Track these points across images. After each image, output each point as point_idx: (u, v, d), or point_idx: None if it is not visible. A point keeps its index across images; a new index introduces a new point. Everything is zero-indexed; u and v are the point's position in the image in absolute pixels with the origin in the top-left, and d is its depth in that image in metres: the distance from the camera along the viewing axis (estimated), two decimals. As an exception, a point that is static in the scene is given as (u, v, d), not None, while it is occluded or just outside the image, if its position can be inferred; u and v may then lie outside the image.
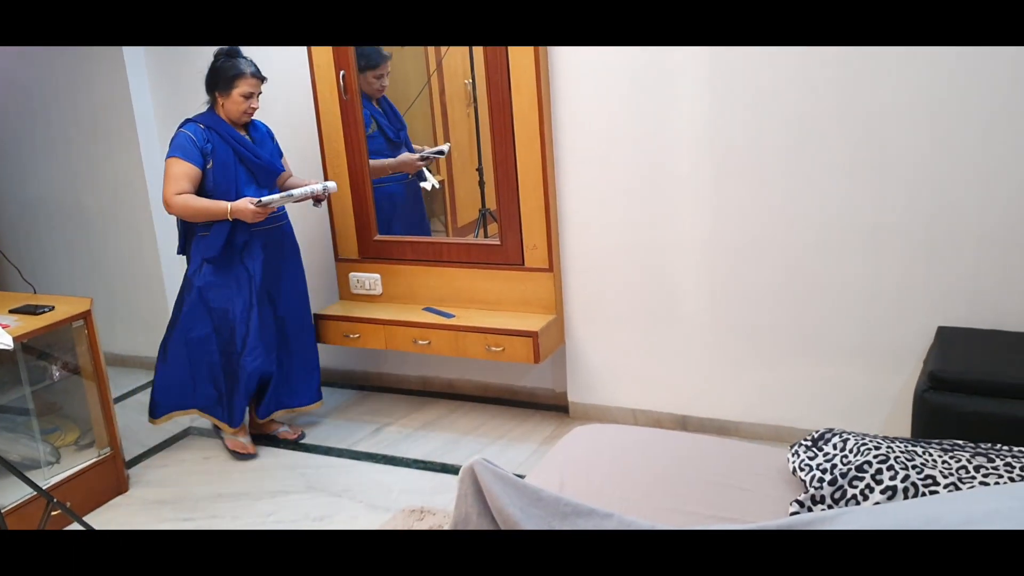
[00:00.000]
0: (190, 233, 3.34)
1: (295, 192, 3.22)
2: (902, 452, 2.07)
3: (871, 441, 2.15)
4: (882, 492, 1.95)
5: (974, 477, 1.97)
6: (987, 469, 2.00)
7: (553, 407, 3.74)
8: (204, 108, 3.30)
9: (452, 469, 3.26)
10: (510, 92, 3.23)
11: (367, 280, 3.76)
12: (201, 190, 3.23)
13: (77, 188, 4.40)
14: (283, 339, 3.48)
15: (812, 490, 2.03)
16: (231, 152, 3.25)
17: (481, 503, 1.94)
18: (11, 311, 3.08)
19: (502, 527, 1.88)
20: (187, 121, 3.26)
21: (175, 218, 3.35)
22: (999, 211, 2.76)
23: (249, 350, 3.33)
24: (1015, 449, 2.12)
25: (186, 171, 3.17)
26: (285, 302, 3.47)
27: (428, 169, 3.80)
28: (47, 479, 3.06)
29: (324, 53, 3.51)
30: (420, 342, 3.50)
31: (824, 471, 2.08)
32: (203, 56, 3.94)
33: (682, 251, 3.24)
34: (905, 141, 2.83)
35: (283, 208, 3.40)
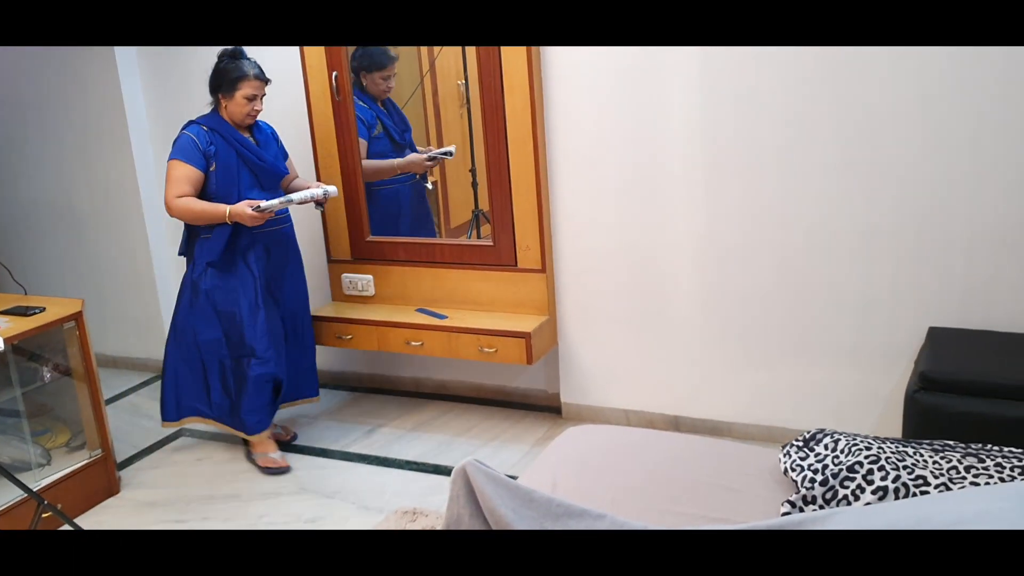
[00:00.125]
0: (193, 235, 3.31)
1: (294, 196, 3.19)
2: (893, 452, 2.08)
3: (862, 442, 2.16)
4: (873, 492, 1.95)
5: (964, 477, 1.98)
6: (977, 469, 2.00)
7: (546, 408, 3.74)
8: (208, 109, 3.28)
9: (445, 470, 3.26)
10: (503, 93, 3.24)
11: (360, 281, 3.75)
12: (204, 193, 3.21)
13: (69, 189, 4.39)
14: (287, 339, 3.47)
15: (803, 490, 2.04)
16: (234, 154, 3.22)
17: (473, 504, 1.94)
18: (2, 312, 3.08)
19: (494, 528, 1.88)
20: (190, 123, 3.24)
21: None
22: (990, 212, 2.78)
23: (260, 353, 3.29)
24: (1005, 449, 2.12)
25: (187, 174, 3.15)
26: (288, 303, 3.45)
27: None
28: (38, 481, 3.05)
29: (317, 53, 3.51)
30: (413, 343, 3.50)
31: (815, 471, 2.09)
32: (196, 57, 3.95)
33: (674, 252, 3.25)
34: (896, 142, 2.84)
35: (286, 211, 3.36)
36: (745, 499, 2.13)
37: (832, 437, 2.23)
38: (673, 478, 2.23)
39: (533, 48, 3.17)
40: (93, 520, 3.13)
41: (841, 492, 1.99)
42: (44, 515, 2.63)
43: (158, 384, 4.38)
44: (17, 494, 2.85)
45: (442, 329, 3.44)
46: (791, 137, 2.96)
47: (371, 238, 3.70)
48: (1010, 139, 2.70)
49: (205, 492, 3.29)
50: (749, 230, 3.11)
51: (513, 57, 3.17)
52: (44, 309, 3.10)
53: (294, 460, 3.45)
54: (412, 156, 3.69)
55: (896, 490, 1.94)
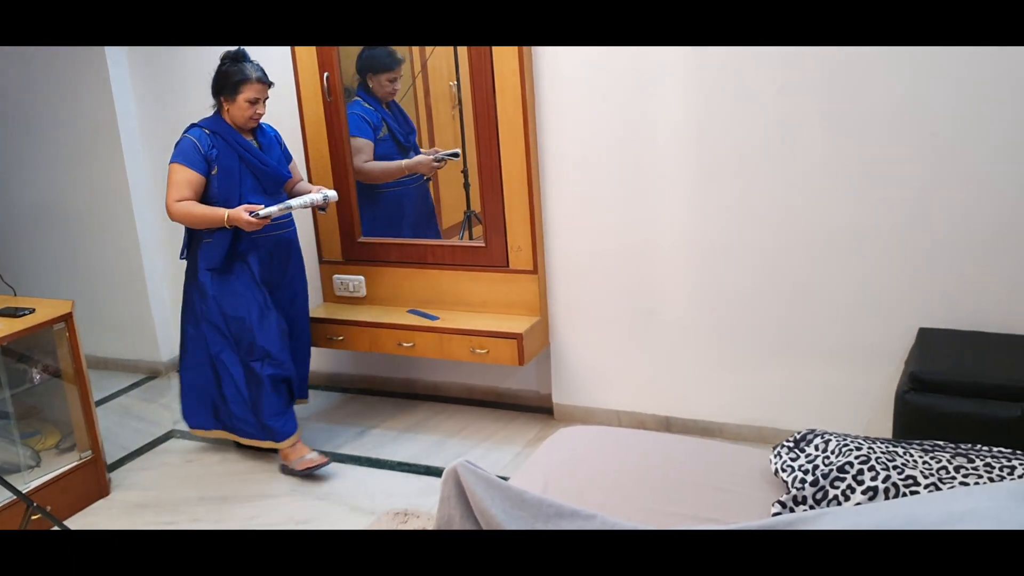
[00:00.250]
0: (194, 240, 3.28)
1: (293, 202, 3.16)
2: (883, 453, 2.08)
3: (852, 442, 2.17)
4: (863, 493, 1.96)
5: (954, 477, 1.98)
6: (967, 469, 2.01)
7: (538, 409, 3.74)
8: (210, 111, 3.25)
9: (436, 472, 3.26)
10: (494, 94, 3.24)
11: (351, 282, 3.74)
12: (206, 196, 3.18)
13: (59, 190, 4.37)
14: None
15: (794, 491, 2.04)
16: (236, 158, 3.18)
17: (464, 505, 1.94)
18: (-9, 313, 3.06)
19: (485, 529, 1.87)
20: (192, 126, 3.21)
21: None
22: (979, 213, 2.79)
23: (275, 355, 3.27)
24: (995, 449, 2.13)
25: (188, 178, 3.12)
26: (287, 308, 3.41)
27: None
28: (27, 483, 3.04)
29: (308, 54, 3.51)
30: (404, 344, 3.50)
31: (806, 472, 2.09)
32: (186, 56, 3.95)
33: (666, 253, 3.25)
34: (886, 143, 2.85)
35: (288, 215, 3.32)
36: (736, 499, 2.14)
37: (822, 437, 2.24)
38: (664, 479, 2.24)
39: (524, 48, 3.17)
40: (83, 522, 3.12)
41: (831, 492, 1.99)
42: (33, 517, 2.62)
43: (149, 385, 4.38)
44: (6, 496, 2.84)
45: (434, 330, 3.44)
46: (781, 138, 2.97)
47: (362, 239, 3.69)
48: (999, 140, 2.71)
49: (196, 494, 3.27)
50: (740, 231, 3.12)
51: (504, 58, 3.18)
52: (34, 310, 3.09)
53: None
54: (419, 157, 3.68)
55: (886, 490, 1.95)
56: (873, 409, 3.07)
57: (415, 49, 3.69)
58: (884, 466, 2.00)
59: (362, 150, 3.62)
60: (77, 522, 3.12)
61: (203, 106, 3.92)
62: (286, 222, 3.36)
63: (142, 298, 4.37)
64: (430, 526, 2.75)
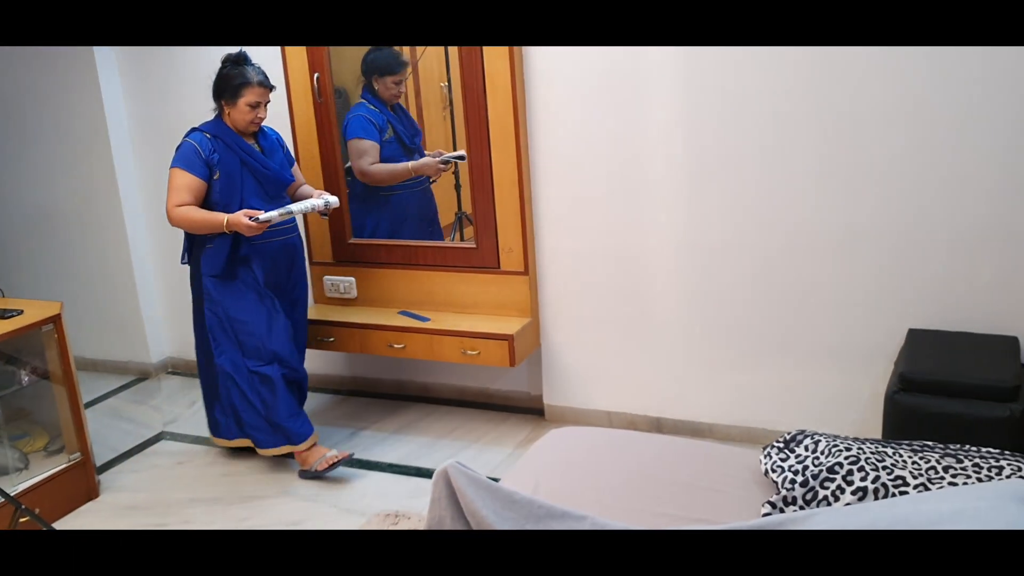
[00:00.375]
0: (195, 244, 3.24)
1: (293, 207, 3.13)
2: (872, 453, 2.09)
3: (842, 442, 2.17)
4: (853, 493, 1.96)
5: (943, 477, 1.99)
6: (956, 469, 2.02)
7: (529, 410, 3.74)
8: (199, 111, 3.21)
9: (427, 473, 3.25)
10: (485, 95, 3.24)
11: (342, 283, 3.74)
12: (207, 201, 3.14)
13: (48, 190, 4.35)
14: None
15: (784, 491, 2.05)
16: (238, 162, 3.15)
17: (455, 506, 1.94)
18: (-21, 315, 3.04)
19: (476, 530, 1.87)
20: (193, 130, 3.17)
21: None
22: (969, 215, 2.80)
23: (286, 357, 3.25)
24: (983, 450, 2.14)
25: (188, 183, 3.09)
26: (292, 310, 3.39)
27: None
28: (15, 485, 3.02)
29: (298, 55, 3.50)
30: (395, 346, 3.49)
31: (796, 472, 2.10)
32: (176, 57, 3.93)
33: (656, 254, 3.26)
34: (877, 145, 2.86)
35: (292, 220, 3.29)
36: (726, 500, 2.14)
37: (812, 438, 2.24)
38: (655, 479, 2.24)
39: (515, 49, 3.18)
40: (72, 525, 3.11)
41: (821, 493, 2.00)
42: (22, 520, 2.61)
43: (139, 387, 4.37)
44: (-6, 499, 2.82)
45: (425, 331, 3.44)
46: (773, 139, 2.98)
47: (353, 240, 3.69)
48: (991, 142, 2.72)
49: (186, 495, 3.26)
50: (731, 231, 3.13)
51: (495, 58, 3.18)
52: (22, 312, 3.07)
53: (275, 463, 3.43)
54: (424, 159, 3.65)
55: (875, 490, 1.95)
56: (863, 409, 3.08)
57: (405, 50, 3.69)
58: (873, 466, 2.01)
59: (368, 152, 3.60)
60: (66, 524, 3.10)
61: (193, 107, 3.92)
62: (290, 227, 3.32)
63: (132, 299, 4.35)
64: (421, 527, 2.75)
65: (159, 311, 4.44)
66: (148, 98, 4.09)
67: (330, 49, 3.51)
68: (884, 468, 2.01)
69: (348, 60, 3.72)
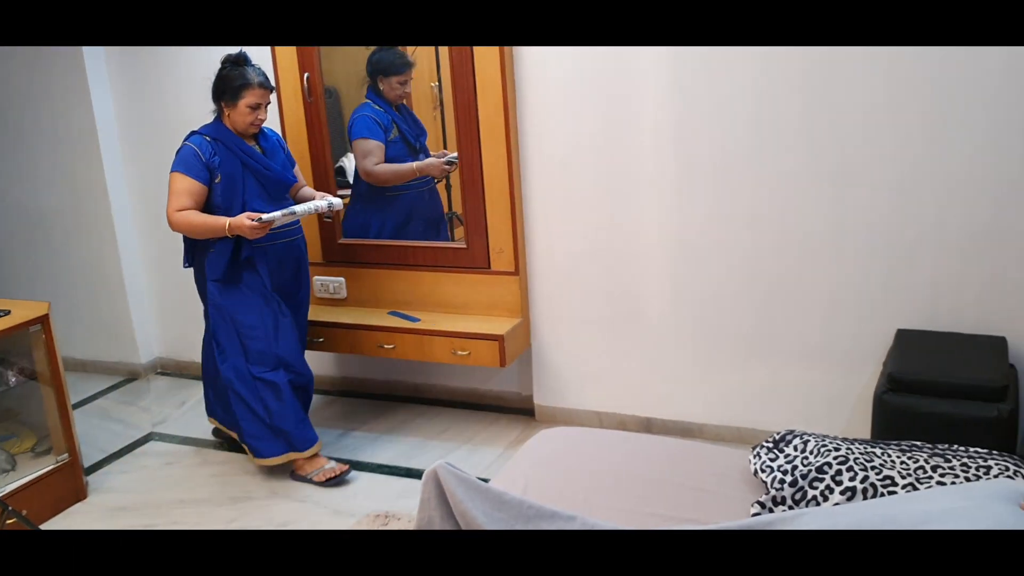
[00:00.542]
0: (198, 248, 3.19)
1: (297, 209, 3.09)
2: (861, 453, 2.10)
3: (831, 443, 2.18)
4: (842, 493, 1.97)
5: (931, 477, 2.00)
6: (944, 469, 2.03)
7: (519, 410, 3.74)
8: (191, 111, 3.17)
9: (418, 474, 3.25)
10: (476, 95, 3.23)
11: (331, 284, 3.73)
12: (209, 205, 3.08)
13: (36, 190, 4.33)
14: None
15: (773, 491, 2.05)
16: (239, 165, 3.09)
17: (444, 507, 1.94)
18: (-34, 315, 3.03)
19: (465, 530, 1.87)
20: (193, 133, 3.11)
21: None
22: (957, 216, 2.81)
23: (292, 361, 3.21)
24: (971, 449, 2.15)
25: (188, 187, 3.02)
26: (295, 313, 3.34)
27: None
28: (2, 487, 3.00)
29: (288, 54, 3.49)
30: (385, 346, 3.48)
31: (785, 472, 2.10)
32: (165, 56, 3.92)
33: (646, 254, 3.26)
34: (866, 146, 2.87)
35: (296, 221, 3.25)
36: (715, 500, 2.15)
37: (801, 438, 2.25)
38: (644, 479, 2.24)
39: (506, 49, 3.18)
40: (59, 526, 3.09)
41: (810, 493, 2.00)
42: (9, 521, 2.59)
43: (128, 388, 4.35)
44: (-19, 500, 2.80)
45: (415, 332, 3.43)
46: (762, 140, 2.99)
47: (343, 240, 3.68)
48: (977, 143, 2.73)
49: (175, 496, 3.25)
50: (720, 232, 3.13)
51: (486, 58, 3.17)
52: (9, 312, 3.05)
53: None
54: (429, 160, 3.63)
55: (864, 490, 1.96)
56: (852, 409, 3.09)
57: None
58: (862, 466, 2.02)
59: (372, 152, 3.57)
60: (53, 526, 3.09)
61: (182, 107, 3.92)
62: (295, 228, 3.27)
63: (121, 300, 4.34)
64: (411, 528, 2.74)
65: (148, 311, 4.42)
66: (137, 98, 4.07)
67: (320, 49, 3.50)
68: (873, 468, 2.02)
69: (338, 60, 3.72)
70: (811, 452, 2.15)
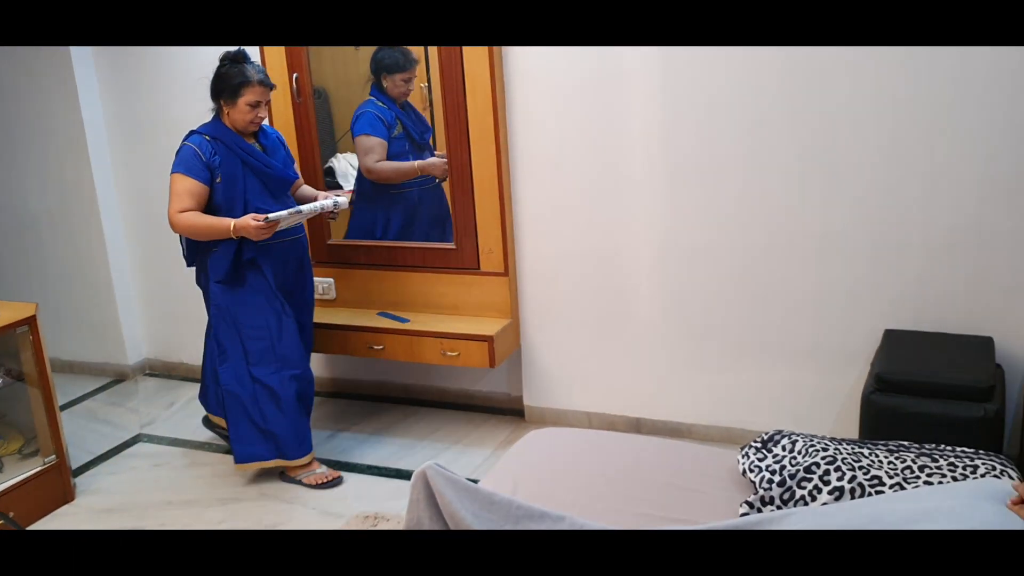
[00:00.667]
0: (201, 249, 3.12)
1: (304, 208, 3.06)
2: (849, 454, 2.10)
3: (819, 443, 2.19)
4: (830, 493, 1.98)
5: (919, 477, 2.01)
6: (931, 469, 2.04)
7: (509, 411, 3.74)
8: (199, 117, 3.10)
9: (407, 475, 3.24)
10: (465, 95, 3.23)
11: (321, 284, 3.72)
12: (210, 205, 3.03)
13: (24, 191, 4.30)
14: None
15: (761, 491, 2.06)
16: (240, 164, 3.03)
17: (433, 508, 1.94)
18: (-48, 316, 3.01)
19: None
20: (192, 133, 3.06)
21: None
22: (944, 217, 2.83)
23: (295, 363, 3.16)
24: (958, 449, 2.17)
25: (189, 188, 2.96)
26: (300, 313, 3.30)
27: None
28: (-11, 489, 2.99)
29: (277, 54, 3.48)
30: (375, 347, 3.48)
31: (773, 472, 2.11)
32: (153, 56, 3.91)
33: (635, 255, 3.27)
34: (854, 147, 2.88)
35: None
36: (704, 500, 2.15)
37: (790, 438, 2.26)
38: (633, 480, 2.25)
39: (495, 49, 3.17)
40: (46, 528, 3.07)
41: (798, 492, 2.01)
42: (-5, 524, 2.58)
43: (115, 389, 4.33)
44: (-33, 502, 2.79)
45: (404, 333, 3.43)
46: (751, 141, 3.00)
47: (332, 241, 3.67)
48: (965, 146, 2.75)
49: (163, 498, 3.24)
50: (709, 233, 3.14)
51: (475, 59, 3.17)
52: (-4, 313, 3.04)
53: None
54: (432, 159, 3.60)
55: (852, 490, 1.97)
56: (840, 409, 3.10)
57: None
58: (850, 466, 2.03)
59: (374, 149, 3.55)
60: (40, 528, 3.07)
61: (170, 107, 3.91)
62: (297, 227, 3.22)
63: (109, 300, 4.31)
64: (400, 529, 2.74)
65: (136, 312, 4.40)
66: (125, 99, 4.06)
67: (309, 49, 3.49)
68: (860, 468, 2.03)
69: (327, 60, 3.71)
70: (799, 452, 2.15)
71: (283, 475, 3.27)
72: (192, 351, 4.32)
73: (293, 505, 3.11)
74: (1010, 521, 1.56)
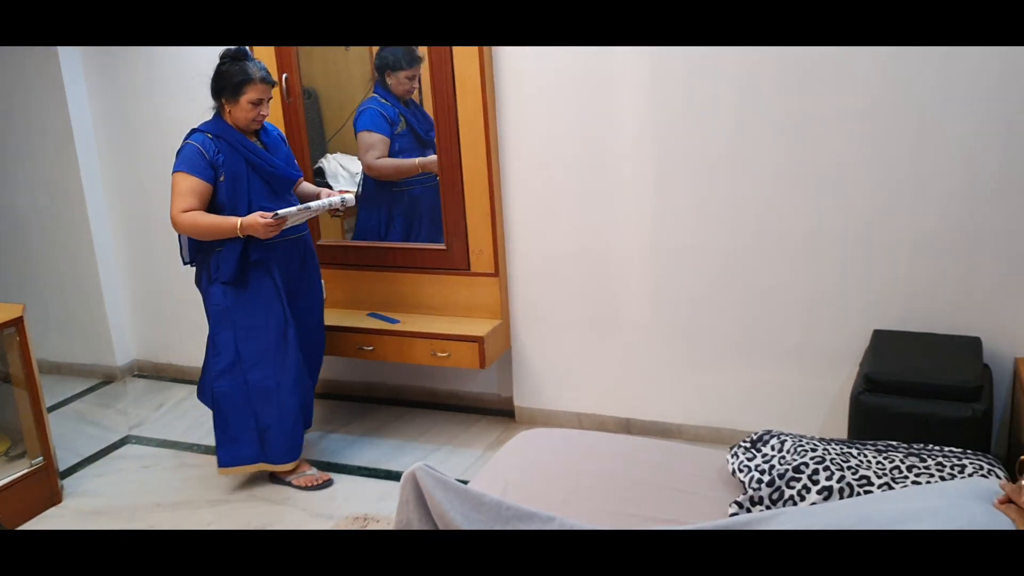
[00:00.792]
0: (203, 248, 3.05)
1: (312, 205, 3.02)
2: (838, 454, 2.11)
3: (808, 443, 2.19)
4: (818, 492, 1.98)
5: (907, 477, 2.02)
6: (919, 469, 2.05)
7: (499, 412, 3.74)
8: (211, 114, 3.05)
9: (397, 476, 3.23)
10: (455, 95, 3.23)
11: (311, 285, 3.71)
12: (213, 203, 2.97)
13: (11, 191, 4.28)
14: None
15: (751, 491, 2.06)
16: (243, 162, 2.98)
17: (423, 509, 1.93)
18: (-62, 317, 2.99)
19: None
20: (193, 131, 3.01)
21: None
22: (932, 218, 2.84)
23: (294, 370, 3.12)
24: (946, 449, 2.17)
25: (193, 186, 2.91)
26: (307, 315, 3.28)
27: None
28: (-24, 491, 2.97)
29: (266, 55, 3.47)
30: (365, 348, 3.47)
31: (762, 472, 2.11)
32: (141, 55, 3.89)
33: (625, 256, 3.27)
34: (842, 148, 2.89)
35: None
36: (694, 500, 2.15)
37: (779, 438, 2.26)
38: (623, 480, 2.25)
39: (485, 49, 3.17)
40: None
41: (787, 492, 2.01)
42: (-18, 526, 2.56)
43: (103, 390, 4.31)
44: (-47, 505, 2.77)
45: (394, 333, 3.42)
46: (740, 142, 3.00)
47: (322, 241, 3.66)
48: (952, 146, 2.76)
49: (152, 500, 3.22)
50: (698, 234, 3.14)
51: (465, 59, 3.17)
52: (-17, 314, 3.03)
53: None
54: (433, 157, 3.57)
55: (841, 490, 1.97)
56: (828, 410, 3.11)
57: (374, 50, 3.67)
58: (839, 466, 2.03)
59: (375, 146, 3.54)
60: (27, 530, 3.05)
61: (159, 108, 3.89)
62: (301, 224, 3.18)
63: (97, 301, 4.29)
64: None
65: (125, 313, 4.38)
66: (114, 99, 4.04)
67: (299, 50, 3.48)
68: (849, 468, 2.03)
69: (317, 61, 3.70)
70: (788, 452, 2.16)
71: (273, 476, 3.25)
72: (181, 352, 4.30)
73: (283, 507, 3.10)
74: (997, 521, 1.56)
